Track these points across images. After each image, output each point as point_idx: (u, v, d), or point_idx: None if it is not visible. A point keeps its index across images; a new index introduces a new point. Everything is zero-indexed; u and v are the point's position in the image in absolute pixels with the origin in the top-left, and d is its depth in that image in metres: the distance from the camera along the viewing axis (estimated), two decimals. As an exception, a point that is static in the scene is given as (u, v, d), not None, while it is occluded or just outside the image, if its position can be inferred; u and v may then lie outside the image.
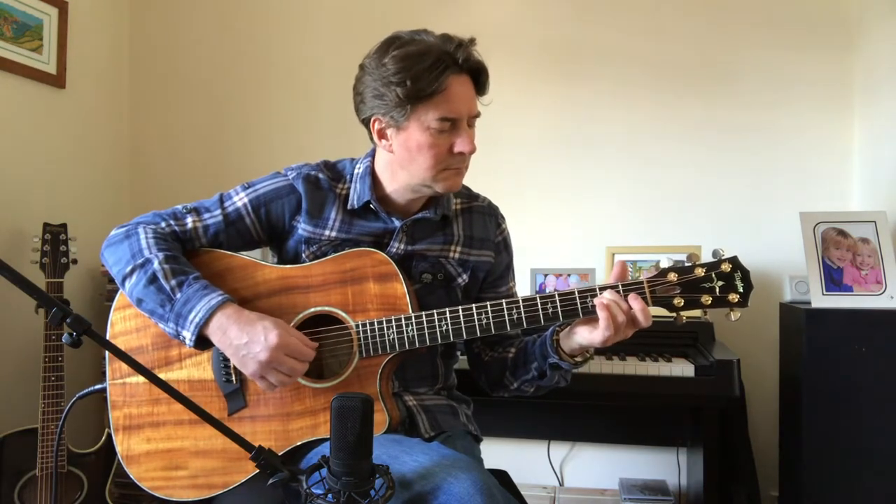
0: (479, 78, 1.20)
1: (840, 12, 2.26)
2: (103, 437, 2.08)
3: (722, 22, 2.34)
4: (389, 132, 1.20)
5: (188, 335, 1.13)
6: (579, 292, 1.14)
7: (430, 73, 1.12)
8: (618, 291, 1.13)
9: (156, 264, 1.16)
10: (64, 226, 2.09)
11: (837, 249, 1.85)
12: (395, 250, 1.27)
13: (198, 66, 2.73)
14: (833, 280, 1.83)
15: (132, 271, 1.18)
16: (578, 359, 1.23)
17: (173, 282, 1.15)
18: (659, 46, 2.38)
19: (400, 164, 1.23)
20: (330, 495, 0.88)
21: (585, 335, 1.16)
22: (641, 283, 1.14)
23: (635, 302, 1.12)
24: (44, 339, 1.97)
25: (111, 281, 2.33)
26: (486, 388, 1.42)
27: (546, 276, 2.27)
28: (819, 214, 1.90)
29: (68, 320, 0.91)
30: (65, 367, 1.98)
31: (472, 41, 1.19)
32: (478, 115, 1.22)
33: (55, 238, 2.06)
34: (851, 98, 2.25)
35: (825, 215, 1.90)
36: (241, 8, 2.70)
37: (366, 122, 1.23)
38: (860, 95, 2.23)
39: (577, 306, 1.14)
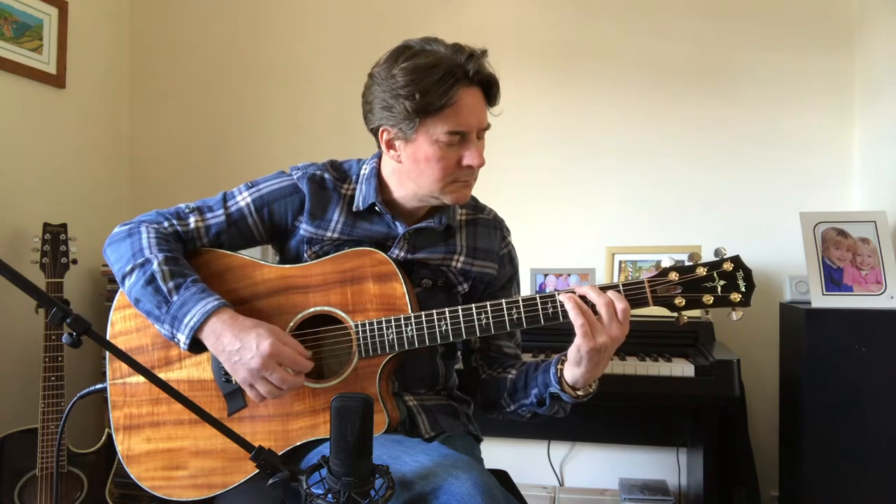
0: (489, 90, 1.18)
1: (840, 12, 2.26)
2: (103, 437, 2.07)
3: (722, 22, 2.34)
4: (398, 143, 1.19)
5: (183, 338, 1.13)
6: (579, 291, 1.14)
7: (440, 87, 1.11)
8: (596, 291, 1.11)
9: (155, 265, 1.16)
10: (64, 226, 2.09)
11: (837, 249, 1.85)
12: (394, 257, 1.26)
13: (198, 66, 2.73)
14: (833, 280, 1.83)
15: (132, 270, 1.18)
16: (581, 392, 1.17)
17: (171, 284, 1.15)
18: (659, 46, 2.38)
19: (408, 174, 1.22)
20: (330, 495, 0.88)
21: (572, 351, 1.11)
22: (642, 282, 1.13)
23: (611, 293, 1.10)
24: (44, 339, 1.97)
25: (111, 281, 2.33)
26: (480, 407, 1.39)
27: (546, 276, 2.27)
28: (819, 214, 1.90)
29: (68, 320, 0.91)
30: (65, 367, 1.98)
31: (483, 53, 1.17)
32: (487, 127, 1.21)
33: (55, 238, 2.06)
34: (851, 98, 2.25)
35: (825, 215, 1.90)
36: (240, 8, 2.70)
37: (374, 132, 1.23)
38: (860, 95, 2.23)
39: None
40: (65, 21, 2.39)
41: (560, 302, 1.12)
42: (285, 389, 1.11)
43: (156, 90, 2.76)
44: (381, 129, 1.20)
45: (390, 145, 1.21)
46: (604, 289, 1.12)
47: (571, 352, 1.12)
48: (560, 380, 1.17)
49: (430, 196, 1.23)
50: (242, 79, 2.69)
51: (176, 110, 2.75)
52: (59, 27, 2.37)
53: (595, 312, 1.10)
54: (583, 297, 1.11)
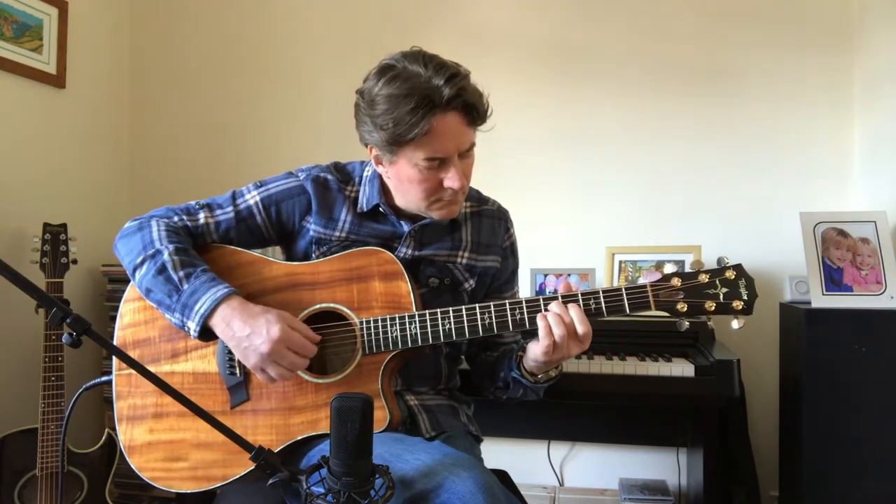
0: (470, 112, 1.14)
1: (841, 12, 2.26)
2: (103, 437, 2.07)
3: (722, 22, 2.34)
4: (384, 161, 1.22)
5: (193, 325, 1.14)
6: (582, 294, 1.15)
7: (412, 118, 1.10)
8: (563, 303, 1.13)
9: (166, 255, 1.18)
10: (64, 226, 2.09)
11: (837, 249, 1.85)
12: (402, 255, 1.29)
13: (198, 66, 2.73)
14: (833, 280, 1.83)
15: (143, 262, 1.20)
16: (541, 377, 1.24)
17: (181, 273, 1.17)
18: (659, 46, 2.38)
19: (395, 189, 1.25)
20: (330, 495, 0.88)
21: (534, 349, 1.17)
22: (645, 286, 1.14)
23: (574, 311, 1.12)
24: (44, 339, 1.97)
25: (111, 281, 2.32)
26: (474, 389, 1.46)
27: (546, 276, 2.27)
28: (819, 214, 1.90)
29: (68, 320, 0.91)
30: (65, 367, 1.98)
31: (466, 75, 1.14)
32: (472, 146, 1.20)
33: (55, 238, 2.06)
34: (851, 98, 2.25)
35: (825, 215, 1.90)
36: (241, 8, 2.70)
37: (365, 146, 1.25)
38: (860, 95, 2.23)
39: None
40: (65, 21, 2.39)
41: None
42: (295, 373, 1.15)
43: (156, 90, 2.76)
44: (368, 146, 1.23)
45: (378, 161, 1.23)
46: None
47: (530, 350, 1.18)
48: (520, 366, 1.25)
49: (418, 211, 1.25)
50: (243, 79, 2.69)
51: (176, 110, 2.75)
52: (59, 27, 2.37)
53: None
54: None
